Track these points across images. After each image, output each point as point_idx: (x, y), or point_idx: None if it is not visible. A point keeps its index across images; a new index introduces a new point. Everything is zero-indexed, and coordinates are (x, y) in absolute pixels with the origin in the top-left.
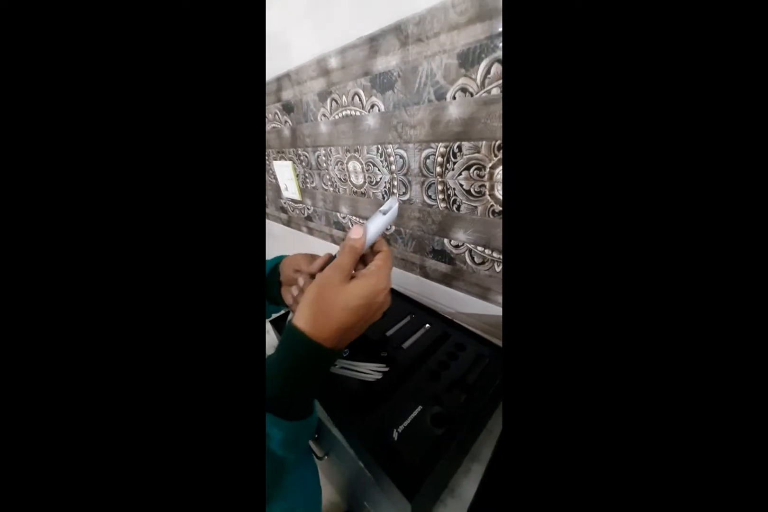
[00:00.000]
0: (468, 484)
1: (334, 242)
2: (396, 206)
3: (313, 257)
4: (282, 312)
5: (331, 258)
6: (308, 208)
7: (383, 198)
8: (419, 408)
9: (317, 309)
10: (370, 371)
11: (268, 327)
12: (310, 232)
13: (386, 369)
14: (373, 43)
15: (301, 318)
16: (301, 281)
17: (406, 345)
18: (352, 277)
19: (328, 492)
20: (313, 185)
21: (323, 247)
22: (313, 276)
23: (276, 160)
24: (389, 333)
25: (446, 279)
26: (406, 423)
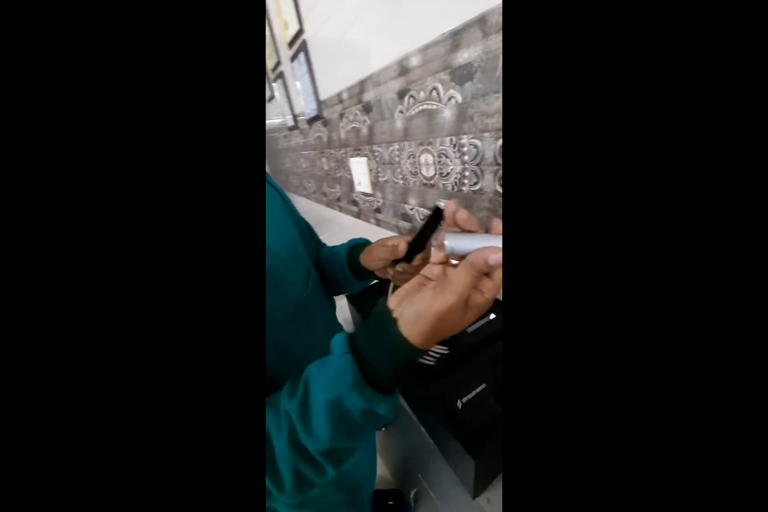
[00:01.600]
0: None
1: (400, 232)
2: None
3: (384, 245)
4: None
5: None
6: (378, 201)
7: (452, 189)
8: (483, 385)
9: (433, 329)
10: (431, 353)
11: (344, 302)
12: (378, 223)
13: (446, 351)
14: (455, 37)
15: (415, 332)
16: (390, 272)
17: (470, 329)
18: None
19: (380, 468)
20: (385, 179)
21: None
22: (396, 263)
23: (353, 157)
24: None
25: None
26: (470, 396)
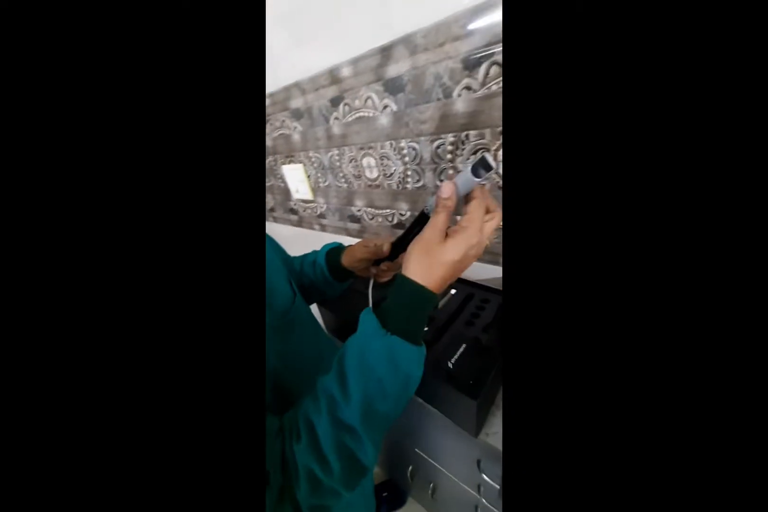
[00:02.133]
0: None
1: (349, 235)
2: (491, 160)
3: (366, 247)
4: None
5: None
6: (321, 206)
7: (397, 187)
8: (464, 346)
9: (424, 265)
10: None
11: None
12: (323, 228)
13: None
14: (384, 53)
15: (413, 273)
16: (373, 270)
17: (440, 305)
18: (447, 235)
19: None
20: (326, 184)
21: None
22: (377, 262)
23: (285, 164)
24: None
25: None
26: (456, 356)
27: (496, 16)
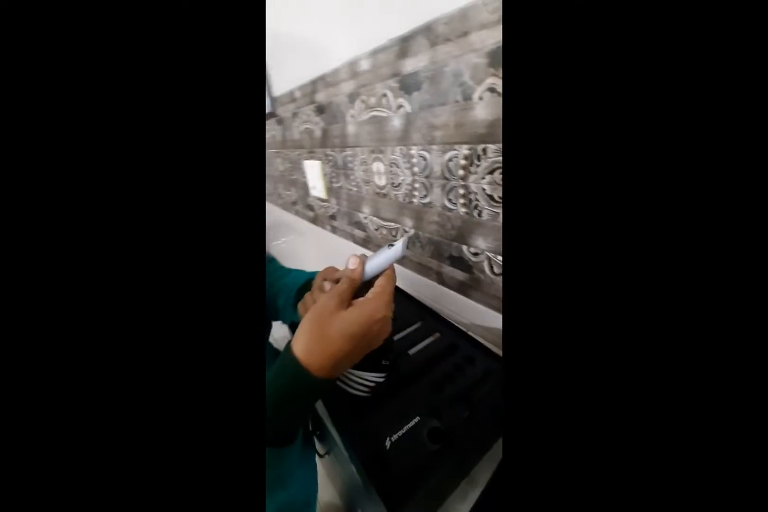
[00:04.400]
0: (465, 510)
1: (355, 242)
2: (401, 245)
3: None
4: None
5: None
6: (333, 207)
7: (404, 200)
8: (417, 419)
9: (313, 336)
10: (363, 382)
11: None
12: (334, 230)
13: (381, 379)
14: (403, 44)
15: (297, 344)
16: (327, 285)
17: (412, 351)
18: (350, 305)
19: (329, 493)
20: (339, 185)
21: (345, 245)
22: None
23: (307, 159)
24: (396, 337)
25: (462, 288)
26: (401, 432)
27: None
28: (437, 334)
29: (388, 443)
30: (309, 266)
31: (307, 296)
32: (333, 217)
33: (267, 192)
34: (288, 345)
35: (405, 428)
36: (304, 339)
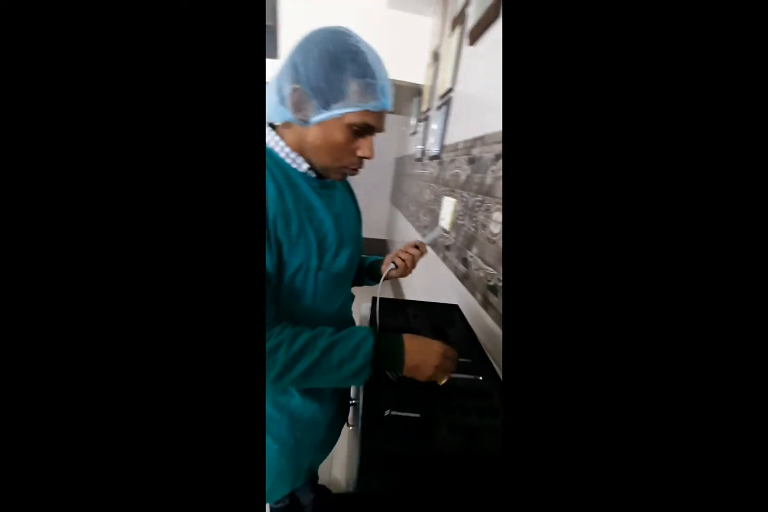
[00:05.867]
0: None
1: (456, 274)
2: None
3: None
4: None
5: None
6: (450, 240)
7: None
8: (417, 415)
9: (422, 355)
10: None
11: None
12: (444, 258)
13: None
14: None
15: (408, 350)
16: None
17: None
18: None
19: (345, 470)
20: (462, 222)
21: (447, 273)
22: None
23: (447, 195)
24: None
25: None
26: (397, 413)
27: None
28: (480, 377)
29: (387, 413)
30: (415, 276)
31: (398, 252)
32: (448, 248)
33: (409, 213)
34: (401, 341)
35: (402, 414)
36: (417, 350)
